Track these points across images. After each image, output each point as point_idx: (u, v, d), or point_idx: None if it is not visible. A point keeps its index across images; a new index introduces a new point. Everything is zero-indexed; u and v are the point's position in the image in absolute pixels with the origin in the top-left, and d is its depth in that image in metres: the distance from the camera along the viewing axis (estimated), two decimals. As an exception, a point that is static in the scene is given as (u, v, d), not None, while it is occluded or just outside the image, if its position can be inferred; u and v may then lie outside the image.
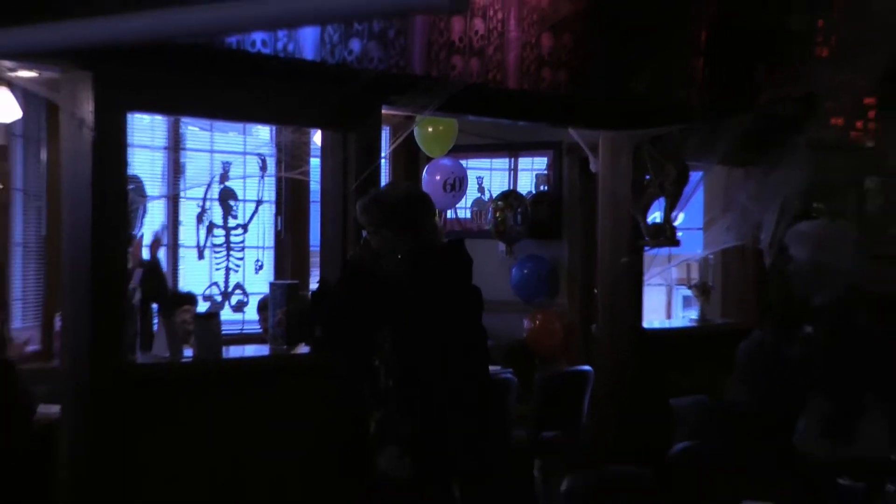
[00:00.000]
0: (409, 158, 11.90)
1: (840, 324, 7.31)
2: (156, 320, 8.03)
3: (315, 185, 9.77)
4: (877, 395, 7.37)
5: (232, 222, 10.59)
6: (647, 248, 10.85)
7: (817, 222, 8.91)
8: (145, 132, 10.07)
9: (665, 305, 12.71)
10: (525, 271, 12.16)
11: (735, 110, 10.53)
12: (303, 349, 8.14)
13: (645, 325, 11.17)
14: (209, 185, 10.45)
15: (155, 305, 8.16)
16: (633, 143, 10.55)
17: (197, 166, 10.63)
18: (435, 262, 6.63)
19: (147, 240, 9.12)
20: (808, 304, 7.55)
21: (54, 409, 7.60)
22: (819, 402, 7.35)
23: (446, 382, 6.53)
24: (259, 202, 10.84)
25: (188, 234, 10.46)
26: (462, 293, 6.71)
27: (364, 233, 6.79)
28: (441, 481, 6.55)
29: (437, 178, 11.64)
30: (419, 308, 6.53)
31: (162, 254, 9.52)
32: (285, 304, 8.19)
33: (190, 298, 9.54)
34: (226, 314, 10.24)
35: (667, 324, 12.34)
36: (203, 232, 10.45)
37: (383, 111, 8.72)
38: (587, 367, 10.80)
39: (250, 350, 8.92)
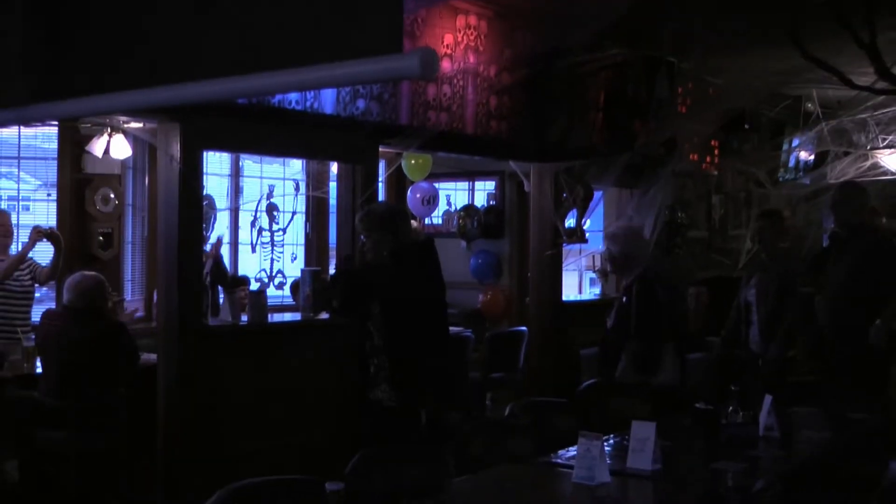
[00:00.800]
0: (398, 182, 11.91)
1: (639, 294, 7.47)
2: (221, 296, 8.05)
3: (333, 200, 9.78)
4: (670, 343, 7.55)
5: (275, 227, 10.56)
6: (564, 244, 10.88)
7: (623, 227, 8.99)
8: (215, 164, 10.05)
9: (577, 284, 12.72)
10: (479, 260, 12.15)
11: (621, 150, 10.57)
12: (323, 316, 8.15)
13: (563, 298, 11.20)
14: (259, 201, 10.43)
15: (219, 287, 8.19)
16: (553, 171, 10.58)
17: (251, 188, 10.60)
18: (411, 256, 6.66)
19: (213, 241, 9.15)
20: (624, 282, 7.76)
21: (153, 356, 7.61)
22: (631, 348, 7.48)
23: (417, 340, 6.56)
24: (294, 213, 10.80)
25: (244, 235, 10.45)
26: (429, 277, 6.74)
27: (362, 237, 6.81)
28: (414, 408, 6.58)
29: (418, 196, 11.65)
30: (399, 287, 6.56)
31: (225, 250, 9.53)
32: (311, 284, 8.21)
33: (244, 280, 9.54)
34: (271, 291, 10.21)
35: (578, 297, 12.35)
36: (255, 234, 10.43)
37: (380, 149, 8.75)
38: (523, 328, 10.82)
39: (287, 316, 8.91)
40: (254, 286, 9.68)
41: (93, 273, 7.62)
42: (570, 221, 10.88)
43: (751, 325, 8.55)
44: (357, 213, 7.13)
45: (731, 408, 5.99)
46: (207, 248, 8.82)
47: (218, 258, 8.70)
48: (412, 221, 10.23)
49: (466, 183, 12.68)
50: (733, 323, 8.74)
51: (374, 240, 6.62)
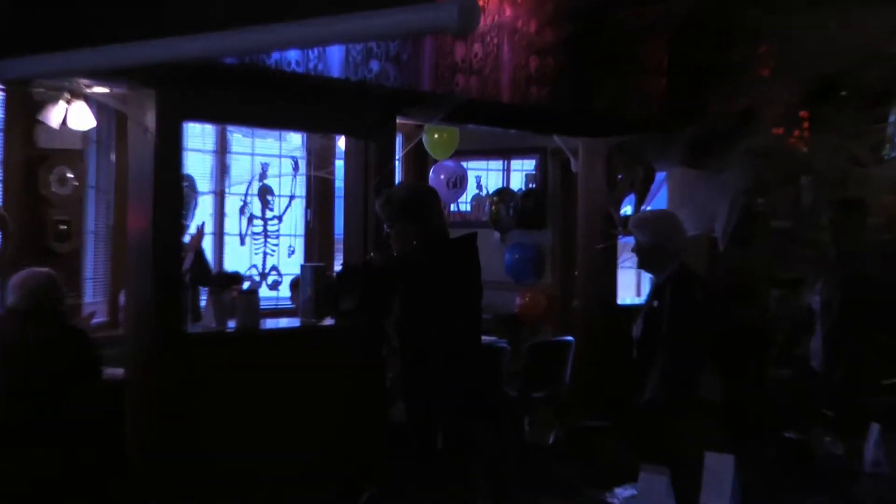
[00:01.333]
0: (419, 161, 11.90)
1: (674, 296, 7.27)
2: (204, 297, 8.05)
3: (339, 182, 9.77)
4: (709, 355, 7.36)
5: (269, 214, 10.57)
6: (619, 236, 10.85)
7: (653, 211, 8.88)
8: (197, 138, 10.07)
9: (635, 284, 12.69)
10: (516, 255, 12.14)
11: (689, 121, 10.51)
12: (328, 321, 8.13)
13: (619, 301, 11.16)
14: (250, 183, 10.45)
15: (203, 286, 8.19)
16: (606, 147, 10.54)
17: (240, 167, 10.62)
18: (444, 249, 6.65)
19: (194, 230, 9.13)
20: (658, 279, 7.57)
21: (119, 371, 7.60)
22: (660, 363, 7.23)
23: (441, 347, 6.56)
24: (292, 197, 10.83)
25: (232, 224, 10.45)
26: (465, 277, 6.72)
27: (385, 226, 6.82)
28: (428, 426, 6.58)
29: (442, 177, 11.65)
30: (426, 286, 6.55)
31: (208, 242, 9.53)
32: (313, 283, 8.19)
33: (237, 278, 9.54)
34: (263, 292, 10.22)
35: (637, 301, 12.30)
36: (245, 222, 10.44)
37: (397, 121, 8.77)
38: (569, 337, 10.77)
39: (284, 322, 8.89)
40: (243, 285, 9.67)
41: (43, 269, 7.57)
42: (626, 208, 10.85)
43: (813, 336, 8.48)
44: (376, 201, 7.12)
45: (827, 437, 5.94)
46: (186, 238, 8.82)
47: (199, 252, 8.69)
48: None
49: (501, 162, 12.71)
50: (793, 331, 8.69)
51: (398, 229, 6.63)
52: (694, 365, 7.19)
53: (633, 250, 7.72)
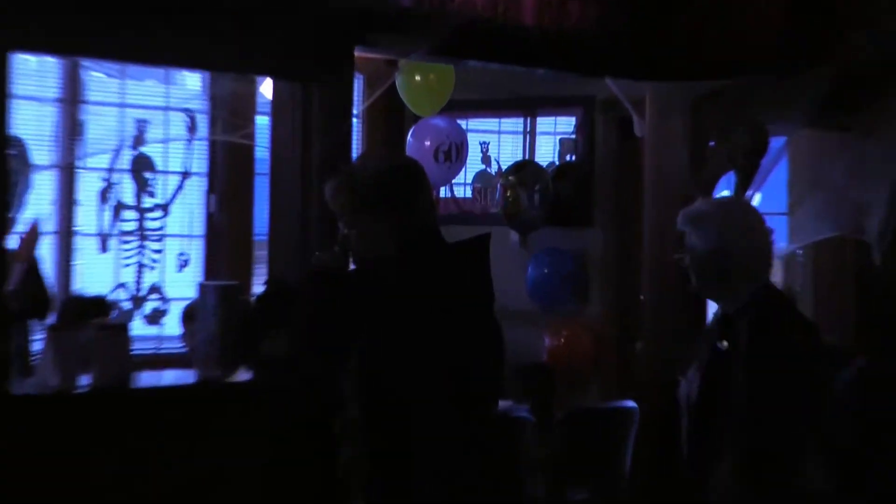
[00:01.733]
0: (391, 117, 11.82)
1: (754, 339, 7.07)
2: (40, 337, 7.93)
3: (263, 151, 9.68)
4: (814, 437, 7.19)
5: (148, 201, 10.56)
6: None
7: (719, 200, 8.76)
8: (32, 79, 10.07)
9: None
10: (545, 269, 12.08)
11: (820, 61, 10.38)
12: (242, 376, 8.01)
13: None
14: (118, 152, 10.37)
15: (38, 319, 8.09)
16: (689, 100, 10.43)
17: (101, 125, 10.58)
18: (440, 262, 6.50)
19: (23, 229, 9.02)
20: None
21: None
22: (737, 441, 7.02)
23: (425, 422, 6.40)
24: (185, 174, 10.79)
25: (87, 216, 10.37)
26: (470, 312, 6.55)
27: (341, 223, 6.65)
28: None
29: (427, 143, 11.59)
30: (406, 318, 6.38)
31: (46, 246, 9.41)
32: (218, 312, 8.06)
33: (101, 305, 9.41)
34: (138, 328, 10.17)
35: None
36: (108, 214, 10.39)
37: (357, 55, 8.65)
38: (630, 403, 10.65)
39: (171, 376, 8.79)
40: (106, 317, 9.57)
41: None
42: (723, 193, 10.74)
43: None
44: (328, 182, 6.95)
45: None
46: (14, 242, 8.70)
47: (33, 264, 8.56)
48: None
49: (520, 120, 12.68)
50: None
51: (363, 227, 6.52)
52: (793, 445, 7.03)
53: (680, 262, 7.51)
